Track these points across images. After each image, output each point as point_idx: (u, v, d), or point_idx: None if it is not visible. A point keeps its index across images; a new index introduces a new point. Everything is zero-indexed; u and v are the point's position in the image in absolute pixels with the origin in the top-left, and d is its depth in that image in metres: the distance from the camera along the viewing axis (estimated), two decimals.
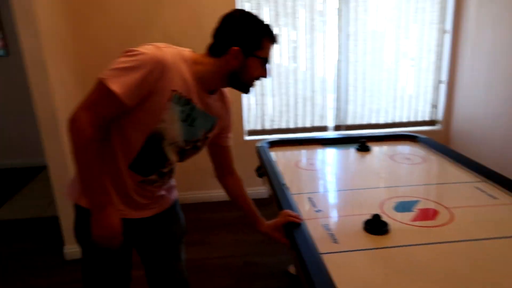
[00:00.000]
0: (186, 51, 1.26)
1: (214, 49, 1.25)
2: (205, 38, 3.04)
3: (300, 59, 3.17)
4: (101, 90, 1.11)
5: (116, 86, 1.09)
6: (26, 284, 2.38)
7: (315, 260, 1.16)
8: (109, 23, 2.89)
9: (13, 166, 4.39)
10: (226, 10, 3.24)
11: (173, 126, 1.23)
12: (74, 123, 1.11)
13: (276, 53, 3.13)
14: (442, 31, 3.26)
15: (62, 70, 2.50)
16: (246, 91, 1.31)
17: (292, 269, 2.41)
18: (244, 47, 1.21)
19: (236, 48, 1.20)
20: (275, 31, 1.28)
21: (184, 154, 1.34)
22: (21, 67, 4.07)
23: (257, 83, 3.08)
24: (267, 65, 1.29)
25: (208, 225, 3.01)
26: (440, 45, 3.29)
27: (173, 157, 1.31)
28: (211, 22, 3.17)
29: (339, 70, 3.26)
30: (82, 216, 1.29)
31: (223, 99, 1.39)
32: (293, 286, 2.34)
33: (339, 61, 3.24)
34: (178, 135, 1.26)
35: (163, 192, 1.41)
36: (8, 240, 2.89)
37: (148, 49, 1.14)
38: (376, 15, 3.15)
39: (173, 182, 1.49)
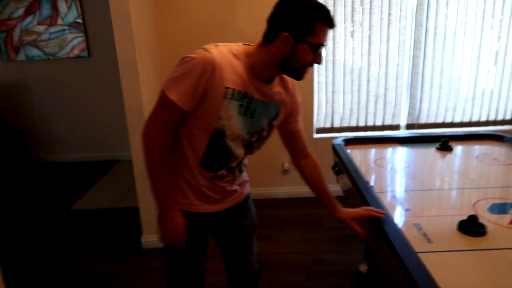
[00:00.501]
0: (239, 46, 1.27)
1: (267, 36, 1.24)
2: None
3: (374, 56, 3.10)
4: (162, 99, 1.20)
5: (173, 94, 1.17)
6: (106, 269, 2.55)
7: (412, 259, 1.13)
8: (187, 24, 3.02)
9: (89, 160, 4.73)
10: None
11: (232, 122, 1.25)
12: (144, 132, 1.24)
13: (349, 49, 3.08)
14: None
15: (148, 69, 2.64)
16: (299, 77, 1.27)
17: (363, 267, 2.37)
18: (294, 32, 1.17)
19: (285, 33, 1.17)
20: (329, 14, 1.19)
21: (251, 145, 1.37)
22: (101, 68, 4.42)
23: (329, 80, 3.07)
24: (321, 51, 1.22)
25: (274, 221, 3.04)
26: None
27: (239, 150, 1.34)
28: None
29: (414, 66, 3.15)
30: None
31: (284, 84, 1.36)
32: (363, 286, 2.30)
33: (415, 57, 3.12)
34: (239, 128, 1.28)
35: (235, 187, 1.45)
36: (87, 228, 3.11)
37: (198, 53, 1.18)
38: (457, 8, 2.99)
39: (246, 176, 1.52)
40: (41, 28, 4.33)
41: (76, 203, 3.57)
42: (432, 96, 3.20)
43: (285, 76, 1.34)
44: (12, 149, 4.45)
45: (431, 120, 3.27)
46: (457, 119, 3.27)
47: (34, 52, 4.40)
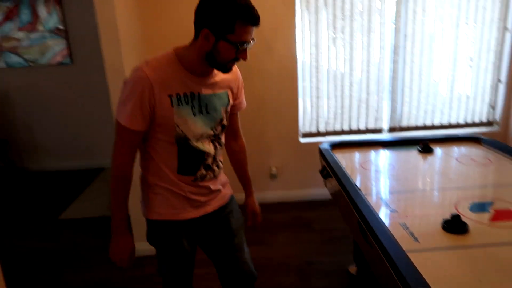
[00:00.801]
0: (168, 53, 1.30)
1: (195, 32, 1.27)
2: (264, 40, 3.17)
3: (356, 61, 3.20)
4: (117, 127, 1.28)
5: (123, 119, 1.25)
6: (99, 277, 2.56)
7: (402, 257, 1.20)
8: (173, 28, 3.03)
9: (75, 168, 4.67)
10: (284, 10, 3.30)
11: (190, 124, 1.31)
12: (111, 160, 1.32)
13: (332, 56, 3.17)
14: (503, 30, 3.19)
15: None
16: (225, 71, 1.31)
17: (352, 269, 2.44)
18: (214, 29, 1.20)
19: (206, 30, 1.20)
20: (252, 12, 1.19)
21: (218, 137, 1.43)
22: (85, 74, 4.38)
23: (313, 85, 3.15)
24: (246, 47, 1.25)
25: (265, 225, 3.04)
26: (500, 44, 3.22)
27: (207, 147, 1.39)
28: (270, 26, 3.25)
29: (394, 71, 3.26)
30: (151, 226, 1.46)
31: None
32: (353, 286, 2.37)
33: (394, 62, 3.23)
34: (199, 128, 1.34)
35: (219, 187, 1.49)
36: (77, 237, 3.10)
37: (132, 75, 1.24)
38: (434, 15, 3.12)
39: (225, 178, 1.57)
40: (21, 34, 4.27)
41: (64, 212, 3.53)
42: (412, 100, 3.32)
43: None
44: None
45: (412, 123, 3.39)
46: (437, 122, 3.40)
47: (15, 59, 4.33)
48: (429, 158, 2.21)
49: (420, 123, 3.39)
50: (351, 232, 1.79)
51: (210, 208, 1.48)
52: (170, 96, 1.26)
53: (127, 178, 1.33)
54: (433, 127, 3.39)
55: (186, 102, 1.29)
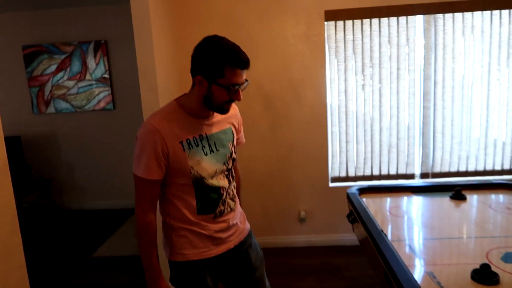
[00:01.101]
0: (171, 103, 1.42)
1: (192, 79, 1.39)
2: (294, 89, 3.31)
3: (385, 107, 3.23)
4: (135, 181, 1.38)
5: (140, 172, 1.35)
6: None
7: None
8: None
9: (110, 207, 4.85)
10: (313, 61, 3.43)
11: (203, 164, 1.41)
12: (136, 216, 1.40)
13: (361, 101, 3.23)
14: None
15: None
16: (222, 112, 1.41)
17: None
18: (206, 75, 1.31)
19: (199, 76, 1.32)
20: (239, 56, 1.29)
21: (230, 171, 1.52)
22: (125, 119, 4.66)
23: (342, 130, 3.20)
24: (239, 88, 1.34)
25: (291, 270, 3.04)
26: None
27: (222, 182, 1.47)
28: (300, 72, 3.39)
29: (425, 117, 3.26)
30: (175, 268, 1.51)
31: None
32: None
33: (425, 108, 3.24)
34: (213, 165, 1.43)
35: (236, 221, 1.56)
36: (109, 274, 3.17)
37: (142, 131, 1.36)
38: (464, 61, 3.14)
39: (241, 212, 1.63)
40: (71, 83, 4.65)
41: (98, 250, 3.65)
42: (445, 145, 3.27)
43: None
44: (38, 197, 4.62)
45: (445, 169, 3.32)
46: (471, 168, 3.31)
47: (63, 105, 4.69)
48: (462, 205, 2.16)
49: (453, 169, 3.31)
50: (378, 280, 1.75)
51: (232, 244, 1.54)
52: (181, 142, 1.37)
53: (152, 228, 1.40)
54: (467, 173, 3.30)
55: (196, 145, 1.40)
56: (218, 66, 1.29)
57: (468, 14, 3.08)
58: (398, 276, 1.36)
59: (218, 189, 1.46)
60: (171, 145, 1.35)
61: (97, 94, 4.65)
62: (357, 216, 2.05)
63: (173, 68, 2.98)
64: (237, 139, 1.60)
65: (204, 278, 1.48)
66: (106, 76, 4.61)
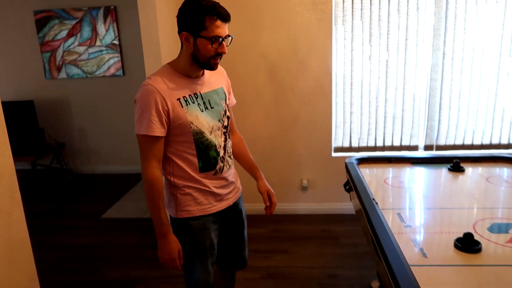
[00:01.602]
0: (165, 66, 1.51)
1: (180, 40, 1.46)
2: (300, 59, 3.30)
3: (392, 79, 3.20)
4: (139, 140, 1.45)
5: (143, 130, 1.42)
6: (131, 273, 2.74)
7: (404, 270, 1.22)
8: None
9: (120, 172, 4.99)
10: (320, 30, 3.39)
11: (200, 119, 1.49)
12: (142, 174, 1.48)
13: (367, 72, 3.20)
14: None
15: None
16: (211, 68, 1.48)
17: (375, 284, 2.43)
18: (189, 30, 1.39)
19: (184, 33, 1.41)
20: (217, 7, 1.36)
21: (227, 129, 1.62)
22: (134, 86, 4.70)
23: (346, 101, 3.19)
24: (222, 41, 1.41)
25: (292, 236, 3.14)
26: None
27: (220, 140, 1.57)
28: (306, 42, 3.35)
29: (432, 89, 3.21)
30: (180, 225, 1.59)
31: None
32: None
33: (432, 79, 3.19)
34: (210, 121, 1.52)
35: (233, 179, 1.67)
36: (115, 235, 3.32)
37: (141, 91, 1.43)
38: (475, 33, 3.06)
39: (235, 172, 1.73)
40: (81, 48, 4.69)
41: (107, 211, 3.80)
42: (451, 118, 3.24)
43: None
44: (51, 161, 4.78)
45: (450, 142, 3.30)
46: (477, 142, 3.29)
47: (74, 70, 4.76)
48: (459, 177, 2.17)
49: (458, 142, 3.29)
50: (368, 246, 1.81)
51: (231, 201, 1.67)
52: (179, 100, 1.45)
53: (159, 184, 1.48)
54: (472, 146, 3.28)
55: (193, 102, 1.49)
56: (199, 19, 1.37)
57: None
58: (381, 243, 1.41)
59: (216, 146, 1.55)
60: (170, 102, 1.42)
61: (107, 60, 4.70)
62: (352, 185, 2.09)
63: (177, 37, 2.98)
64: (228, 99, 1.67)
65: (209, 233, 1.60)
66: (116, 42, 4.63)
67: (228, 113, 1.63)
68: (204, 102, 1.52)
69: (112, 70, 4.72)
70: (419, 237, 1.51)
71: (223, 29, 1.40)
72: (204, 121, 1.50)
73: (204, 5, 1.37)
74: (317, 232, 3.18)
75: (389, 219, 1.66)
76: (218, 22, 1.38)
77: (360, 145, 3.35)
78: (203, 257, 1.62)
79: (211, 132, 1.52)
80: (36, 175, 4.61)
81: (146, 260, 2.87)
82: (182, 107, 1.45)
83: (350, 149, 3.36)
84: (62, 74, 4.77)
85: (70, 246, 3.16)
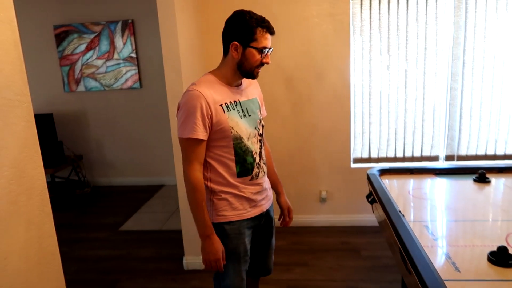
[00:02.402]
0: (207, 74, 1.59)
1: (224, 50, 1.57)
2: (317, 70, 3.28)
3: (411, 88, 3.17)
4: (182, 143, 1.51)
5: (189, 133, 1.47)
6: (150, 286, 2.72)
7: (438, 285, 1.19)
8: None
9: (137, 184, 5.03)
10: (337, 40, 3.38)
11: (240, 126, 1.55)
12: (184, 177, 1.53)
13: (385, 82, 3.18)
14: None
15: None
16: (253, 77, 1.57)
17: None
18: (240, 40, 1.49)
19: (235, 42, 1.49)
20: (267, 22, 1.50)
21: (261, 136, 1.68)
22: (151, 98, 4.76)
23: (365, 111, 3.17)
24: (267, 52, 1.53)
25: (311, 248, 3.10)
26: None
27: (256, 146, 1.62)
28: (323, 52, 3.34)
29: (452, 98, 3.17)
30: (215, 229, 1.59)
31: (249, 80, 1.67)
32: None
33: (452, 89, 3.15)
34: (247, 128, 1.58)
35: (266, 186, 1.72)
36: (134, 247, 3.32)
37: (187, 96, 1.49)
38: (496, 41, 3.02)
39: (269, 182, 1.79)
40: (99, 62, 4.77)
41: (125, 223, 3.81)
42: (472, 128, 3.19)
43: None
44: (70, 173, 4.84)
45: (472, 152, 3.24)
46: (500, 152, 3.22)
47: (92, 83, 4.83)
48: (485, 188, 2.12)
49: (481, 152, 3.23)
50: (395, 259, 1.77)
51: (264, 208, 1.71)
52: (221, 105, 1.52)
53: (202, 186, 1.53)
54: (495, 157, 3.21)
55: (233, 108, 1.56)
56: (250, 30, 1.48)
57: None
58: (412, 257, 1.37)
59: (252, 153, 1.60)
60: (213, 107, 1.49)
61: (125, 73, 4.76)
62: (376, 196, 2.05)
63: (197, 50, 3.01)
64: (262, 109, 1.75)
65: (243, 238, 1.63)
66: (133, 55, 4.70)
67: (262, 122, 1.70)
68: (242, 110, 1.58)
69: (129, 83, 4.78)
70: (449, 250, 1.47)
71: (270, 41, 1.53)
72: (243, 127, 1.56)
73: (255, 18, 1.48)
74: (337, 245, 3.13)
75: (417, 231, 1.63)
76: (267, 35, 1.50)
77: (380, 156, 3.31)
78: (237, 263, 1.64)
79: (248, 139, 1.58)
80: (55, 187, 4.66)
81: (164, 273, 2.86)
82: (224, 112, 1.51)
83: (369, 160, 3.32)
84: (81, 87, 4.85)
85: (89, 258, 3.16)
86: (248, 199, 1.62)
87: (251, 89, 1.69)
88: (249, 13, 1.50)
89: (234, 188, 1.59)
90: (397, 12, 3.05)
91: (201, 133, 1.47)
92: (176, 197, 2.80)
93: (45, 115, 4.55)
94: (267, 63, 1.55)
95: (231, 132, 1.53)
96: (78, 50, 4.77)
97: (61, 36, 4.74)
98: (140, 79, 4.77)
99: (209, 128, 1.50)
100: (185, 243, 2.88)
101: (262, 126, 1.69)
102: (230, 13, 1.57)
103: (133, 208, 4.21)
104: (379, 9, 3.06)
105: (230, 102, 1.55)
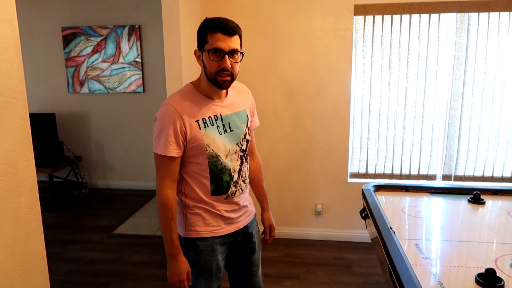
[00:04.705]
0: (187, 85, 1.51)
1: None
2: (319, 83, 3.31)
3: (410, 106, 3.18)
4: (156, 159, 1.46)
5: (160, 150, 1.42)
6: None
7: None
8: None
9: (134, 187, 5.03)
10: (340, 55, 3.39)
11: (217, 143, 1.48)
12: (156, 194, 1.49)
13: (385, 98, 3.19)
14: None
15: None
16: (218, 85, 1.43)
17: None
18: (198, 46, 1.44)
19: (195, 49, 1.46)
20: (220, 22, 1.36)
21: (245, 152, 1.59)
22: (153, 103, 4.79)
23: (364, 127, 3.17)
24: (224, 55, 1.37)
25: (304, 261, 3.08)
26: None
27: (235, 164, 1.54)
28: (325, 66, 3.36)
29: (451, 118, 3.18)
30: (186, 244, 1.57)
31: (239, 91, 1.61)
32: None
33: (452, 108, 3.16)
34: (227, 144, 1.50)
35: (246, 203, 1.65)
36: (126, 251, 3.31)
37: (161, 110, 1.44)
38: (497, 63, 3.04)
39: (249, 196, 1.71)
40: (104, 65, 4.82)
41: (119, 227, 3.81)
42: (470, 148, 3.19)
43: (236, 85, 1.59)
44: (68, 173, 4.85)
45: (469, 172, 3.23)
46: (497, 174, 3.21)
47: (96, 86, 4.87)
48: (479, 209, 2.12)
49: (478, 173, 3.22)
50: (384, 277, 1.76)
51: (241, 224, 1.63)
52: (197, 121, 1.45)
53: (173, 205, 1.48)
54: (492, 179, 3.20)
55: (212, 124, 1.47)
56: (203, 33, 1.40)
57: (504, 14, 2.97)
58: (400, 275, 1.37)
59: (230, 171, 1.53)
60: (188, 123, 1.42)
61: (129, 77, 4.80)
62: (369, 212, 2.05)
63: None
64: (251, 121, 1.65)
65: (216, 255, 1.57)
66: (138, 60, 4.75)
67: (248, 137, 1.60)
68: (224, 125, 1.50)
69: (132, 87, 4.82)
70: (438, 270, 1.46)
71: (225, 42, 1.37)
72: (221, 144, 1.49)
73: (210, 20, 1.40)
74: (330, 259, 3.11)
75: (407, 249, 1.62)
76: (219, 35, 1.36)
77: (377, 172, 3.31)
78: (208, 279, 1.59)
79: (227, 156, 1.51)
80: (53, 187, 4.67)
81: (155, 279, 2.85)
82: (200, 129, 1.45)
83: (366, 175, 3.32)
84: (85, 89, 4.89)
85: (81, 259, 3.15)
86: (222, 217, 1.56)
87: (239, 99, 1.59)
88: (210, 19, 1.40)
89: (208, 205, 1.53)
90: (400, 29, 3.08)
91: (174, 151, 1.42)
92: None
93: (47, 114, 4.58)
94: (225, 67, 1.38)
95: (207, 150, 1.46)
96: (84, 52, 4.82)
97: (69, 37, 4.80)
98: (143, 83, 4.81)
99: (183, 145, 1.44)
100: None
101: (247, 141, 1.59)
102: (234, 20, 1.51)
103: (129, 211, 4.21)
104: (382, 26, 3.09)
105: (209, 117, 1.47)
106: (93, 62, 4.82)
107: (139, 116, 4.89)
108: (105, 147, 5.03)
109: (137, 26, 4.68)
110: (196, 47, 1.48)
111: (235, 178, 1.56)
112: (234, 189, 1.56)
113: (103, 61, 4.81)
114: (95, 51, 4.80)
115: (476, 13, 2.99)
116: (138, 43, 4.71)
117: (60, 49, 4.85)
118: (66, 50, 4.83)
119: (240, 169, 1.57)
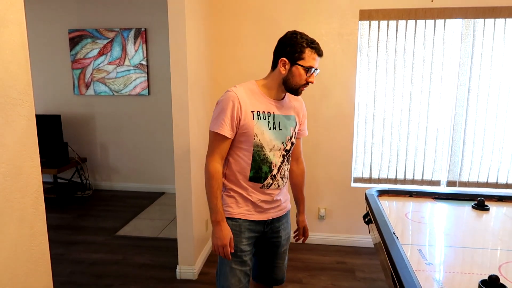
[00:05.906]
0: (252, 81, 1.68)
1: (273, 64, 1.66)
2: (323, 87, 3.32)
3: (415, 111, 3.17)
4: (211, 136, 1.63)
5: (216, 128, 1.60)
6: None
7: None
8: (237, 71, 3.29)
9: (138, 189, 5.05)
10: (344, 59, 3.40)
11: (265, 135, 1.63)
12: (205, 165, 1.65)
13: (390, 103, 3.19)
14: None
15: (198, 111, 2.90)
16: (297, 94, 1.66)
17: None
18: (289, 57, 1.58)
19: (283, 58, 1.59)
20: (317, 44, 1.57)
21: (288, 153, 1.73)
22: (158, 106, 4.81)
23: (368, 132, 3.17)
24: (313, 72, 1.60)
25: (306, 266, 3.07)
26: None
27: (277, 159, 1.68)
28: (330, 71, 3.36)
29: (456, 123, 3.17)
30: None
31: (295, 99, 1.77)
32: None
33: (456, 114, 3.15)
34: (273, 140, 1.65)
35: (280, 197, 1.75)
36: (129, 253, 3.32)
37: (224, 95, 1.60)
38: (502, 69, 3.03)
39: (287, 194, 1.84)
40: (110, 67, 4.85)
41: (122, 228, 3.82)
42: (475, 154, 3.18)
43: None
44: (73, 174, 4.88)
45: (474, 179, 3.22)
46: (502, 180, 3.20)
47: (102, 88, 4.91)
48: (483, 216, 2.11)
49: (482, 179, 3.21)
50: (387, 283, 1.75)
51: (270, 215, 1.75)
52: (253, 112, 1.61)
53: (220, 176, 1.63)
54: (497, 185, 3.19)
55: (264, 118, 1.63)
56: (300, 49, 1.56)
57: (510, 20, 2.96)
58: (402, 280, 1.37)
59: (271, 164, 1.66)
60: (244, 111, 1.58)
61: (134, 80, 4.83)
62: (372, 217, 2.05)
63: (204, 62, 3.06)
64: (299, 130, 1.80)
65: (243, 237, 1.69)
66: (144, 63, 4.77)
67: (293, 140, 1.73)
68: (274, 122, 1.65)
69: (138, 90, 4.84)
70: (441, 276, 1.45)
71: (317, 62, 1.60)
72: (267, 138, 1.63)
73: (306, 38, 1.57)
74: (333, 264, 3.10)
75: (410, 255, 1.61)
76: (315, 55, 1.58)
77: (381, 176, 3.30)
78: (233, 262, 1.68)
79: (271, 150, 1.65)
80: (57, 188, 4.69)
81: (157, 281, 2.85)
82: (253, 119, 1.60)
83: (370, 180, 3.31)
84: (90, 91, 4.93)
85: (84, 261, 3.16)
86: (254, 204, 1.69)
87: (293, 106, 1.75)
88: (301, 34, 1.58)
89: (243, 190, 1.67)
90: (405, 35, 3.08)
91: (227, 131, 1.58)
92: (175, 205, 2.80)
93: (53, 116, 4.62)
94: (312, 82, 1.61)
95: (254, 139, 1.61)
96: (90, 55, 4.86)
97: (75, 40, 4.84)
98: (148, 86, 4.83)
99: (236, 128, 1.59)
100: (180, 253, 2.88)
101: (292, 143, 1.73)
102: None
103: (132, 213, 4.22)
104: (387, 31, 3.10)
105: (263, 111, 1.63)
106: (99, 64, 4.86)
107: (144, 118, 4.92)
108: (109, 149, 5.06)
109: (143, 29, 4.71)
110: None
111: (274, 172, 1.68)
112: (270, 181, 1.68)
113: (109, 63, 4.84)
114: (101, 53, 4.84)
115: (482, 19, 2.99)
116: (144, 46, 4.74)
117: (66, 51, 4.89)
118: (72, 52, 4.87)
119: (280, 166, 1.70)
